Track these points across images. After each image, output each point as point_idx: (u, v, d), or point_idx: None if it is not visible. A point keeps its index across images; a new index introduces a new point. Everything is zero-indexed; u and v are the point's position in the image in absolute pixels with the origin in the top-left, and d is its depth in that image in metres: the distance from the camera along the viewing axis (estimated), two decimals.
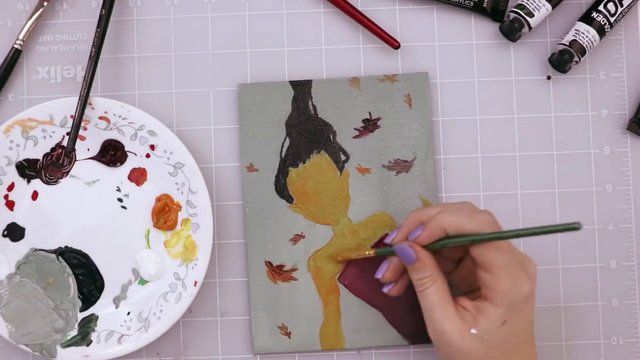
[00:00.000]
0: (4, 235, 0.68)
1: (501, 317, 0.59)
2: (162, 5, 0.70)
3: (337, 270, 0.68)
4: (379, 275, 0.64)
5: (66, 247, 0.68)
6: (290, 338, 0.68)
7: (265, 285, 0.68)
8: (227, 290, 0.69)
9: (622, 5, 0.68)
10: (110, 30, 0.68)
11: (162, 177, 0.68)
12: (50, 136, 0.68)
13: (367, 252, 0.66)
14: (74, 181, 0.68)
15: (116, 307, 0.68)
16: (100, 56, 0.67)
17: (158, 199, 0.68)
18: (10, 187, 0.68)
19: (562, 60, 0.68)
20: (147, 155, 0.68)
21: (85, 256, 0.68)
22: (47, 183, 0.68)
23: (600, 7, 0.68)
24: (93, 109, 0.67)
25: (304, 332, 0.68)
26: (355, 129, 0.69)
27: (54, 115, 0.67)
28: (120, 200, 0.68)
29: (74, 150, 0.68)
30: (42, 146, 0.68)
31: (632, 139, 0.70)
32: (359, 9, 0.69)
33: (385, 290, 0.65)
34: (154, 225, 0.68)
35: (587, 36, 0.68)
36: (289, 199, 0.69)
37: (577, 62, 0.68)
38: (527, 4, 0.68)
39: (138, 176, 0.68)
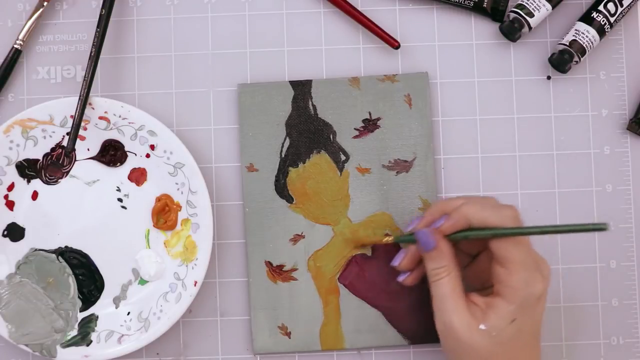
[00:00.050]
0: (4, 235, 0.68)
1: (511, 314, 0.58)
2: (162, 5, 0.70)
3: (337, 270, 0.68)
4: (395, 262, 0.64)
5: (66, 247, 0.68)
6: (290, 338, 0.68)
7: (265, 285, 0.68)
8: (227, 290, 0.69)
9: (622, 5, 0.68)
10: (110, 30, 0.68)
11: (162, 177, 0.68)
12: (50, 136, 0.68)
13: (384, 239, 0.66)
14: (74, 181, 0.68)
15: (116, 307, 0.68)
16: (100, 56, 0.67)
17: (158, 199, 0.68)
18: (10, 187, 0.68)
19: (562, 60, 0.68)
20: (147, 155, 0.68)
21: (85, 256, 0.68)
22: (47, 183, 0.68)
23: (600, 7, 0.68)
24: (93, 109, 0.67)
25: (304, 332, 0.68)
26: (355, 129, 0.69)
27: (54, 115, 0.67)
28: (120, 200, 0.68)
29: (74, 150, 0.68)
30: (42, 146, 0.68)
31: (632, 139, 0.70)
32: (359, 9, 0.69)
33: (400, 279, 0.64)
34: (154, 225, 0.68)
35: (587, 36, 0.68)
36: (289, 199, 0.69)
37: (577, 62, 0.68)
38: (527, 4, 0.68)
39: (138, 176, 0.68)
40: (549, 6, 0.68)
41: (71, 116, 0.67)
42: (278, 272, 0.68)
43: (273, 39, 0.70)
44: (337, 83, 0.69)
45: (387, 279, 0.68)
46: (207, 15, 0.70)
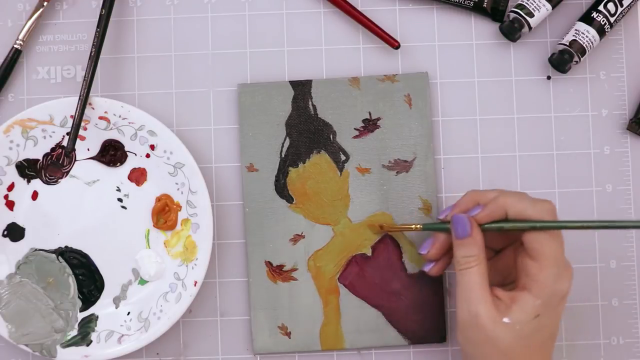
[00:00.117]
0: (4, 235, 0.68)
1: (537, 309, 0.59)
2: (162, 5, 0.70)
3: (337, 270, 0.68)
4: (423, 251, 0.64)
5: (66, 247, 0.68)
6: (290, 338, 0.68)
7: (265, 285, 0.68)
8: (227, 290, 0.69)
9: (622, 5, 0.68)
10: (110, 30, 0.68)
11: (162, 177, 0.68)
12: (50, 136, 0.68)
13: (413, 226, 0.65)
14: (74, 181, 0.68)
15: (116, 307, 0.68)
16: (100, 56, 0.67)
17: (158, 199, 0.68)
18: (10, 187, 0.68)
19: (562, 60, 0.68)
20: (147, 155, 0.68)
21: (85, 256, 0.68)
22: (47, 183, 0.68)
23: (600, 7, 0.68)
24: (93, 109, 0.67)
25: (304, 332, 0.68)
26: (355, 129, 0.69)
27: (54, 115, 0.67)
28: (120, 200, 0.68)
29: (74, 150, 0.68)
30: (42, 146, 0.68)
31: (632, 139, 0.70)
32: (359, 9, 0.69)
33: (426, 269, 0.64)
34: (154, 225, 0.68)
35: (587, 36, 0.68)
36: (289, 199, 0.69)
37: (577, 62, 0.68)
38: (527, 4, 0.68)
39: (138, 176, 0.68)
40: (549, 6, 0.68)
41: (71, 116, 0.67)
42: (278, 272, 0.68)
43: (273, 39, 0.70)
44: (337, 83, 0.69)
45: (387, 279, 0.68)
46: (207, 15, 0.70)
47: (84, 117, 0.67)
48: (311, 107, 0.69)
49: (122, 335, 0.67)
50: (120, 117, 0.67)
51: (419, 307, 0.68)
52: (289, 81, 0.69)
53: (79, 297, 0.68)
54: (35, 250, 0.68)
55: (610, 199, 0.69)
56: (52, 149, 0.68)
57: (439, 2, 0.70)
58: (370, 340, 0.68)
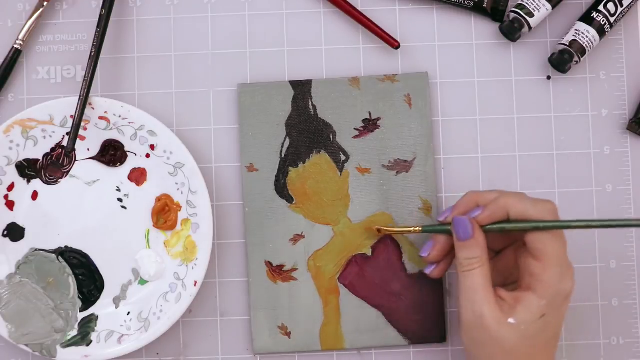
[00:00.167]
0: (4, 235, 0.68)
1: (542, 309, 0.58)
2: (162, 5, 0.70)
3: (337, 270, 0.68)
4: (424, 254, 0.64)
5: (66, 247, 0.68)
6: (290, 338, 0.68)
7: (265, 285, 0.68)
8: (227, 290, 0.69)
9: (622, 5, 0.68)
10: (110, 30, 0.68)
11: (162, 177, 0.68)
12: (50, 136, 0.68)
13: (412, 229, 0.65)
14: (74, 181, 0.68)
15: (116, 307, 0.68)
16: (100, 56, 0.67)
17: (158, 199, 0.68)
18: (10, 187, 0.68)
19: (562, 60, 0.68)
20: (147, 155, 0.68)
21: (85, 256, 0.68)
22: (47, 183, 0.68)
23: (600, 7, 0.68)
24: (93, 109, 0.67)
25: (304, 332, 0.68)
26: (355, 129, 0.69)
27: (54, 115, 0.67)
28: (120, 200, 0.68)
29: (74, 150, 0.68)
30: (42, 146, 0.68)
31: (632, 139, 0.70)
32: (359, 9, 0.69)
33: (427, 271, 0.64)
34: (154, 225, 0.68)
35: (587, 36, 0.68)
36: (289, 199, 0.69)
37: (577, 62, 0.68)
38: (527, 4, 0.68)
39: (138, 176, 0.68)
40: (549, 6, 0.68)
41: (71, 116, 0.67)
42: (278, 272, 0.68)
43: (273, 39, 0.70)
44: (337, 83, 0.69)
45: (387, 279, 0.68)
46: (207, 15, 0.70)
47: (84, 117, 0.67)
48: (311, 107, 0.69)
49: (122, 335, 0.67)
50: (120, 117, 0.67)
51: (419, 307, 0.68)
52: (289, 81, 0.69)
53: (79, 297, 0.68)
54: (35, 250, 0.68)
55: (610, 199, 0.69)
56: (52, 149, 0.68)
57: (439, 2, 0.70)
58: (370, 340, 0.68)
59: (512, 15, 0.68)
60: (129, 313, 0.68)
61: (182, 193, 0.68)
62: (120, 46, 0.70)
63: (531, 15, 0.68)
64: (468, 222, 0.61)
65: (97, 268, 0.68)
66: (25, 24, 0.69)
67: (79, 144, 0.68)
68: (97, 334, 0.67)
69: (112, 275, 0.68)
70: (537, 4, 0.68)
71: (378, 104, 0.69)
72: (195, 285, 0.67)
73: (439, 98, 0.70)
